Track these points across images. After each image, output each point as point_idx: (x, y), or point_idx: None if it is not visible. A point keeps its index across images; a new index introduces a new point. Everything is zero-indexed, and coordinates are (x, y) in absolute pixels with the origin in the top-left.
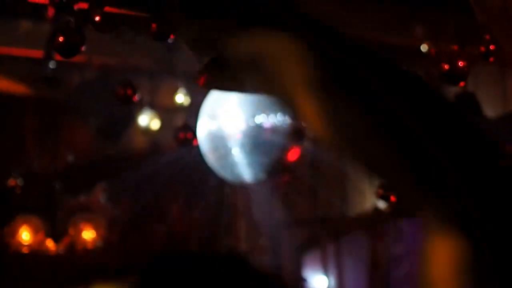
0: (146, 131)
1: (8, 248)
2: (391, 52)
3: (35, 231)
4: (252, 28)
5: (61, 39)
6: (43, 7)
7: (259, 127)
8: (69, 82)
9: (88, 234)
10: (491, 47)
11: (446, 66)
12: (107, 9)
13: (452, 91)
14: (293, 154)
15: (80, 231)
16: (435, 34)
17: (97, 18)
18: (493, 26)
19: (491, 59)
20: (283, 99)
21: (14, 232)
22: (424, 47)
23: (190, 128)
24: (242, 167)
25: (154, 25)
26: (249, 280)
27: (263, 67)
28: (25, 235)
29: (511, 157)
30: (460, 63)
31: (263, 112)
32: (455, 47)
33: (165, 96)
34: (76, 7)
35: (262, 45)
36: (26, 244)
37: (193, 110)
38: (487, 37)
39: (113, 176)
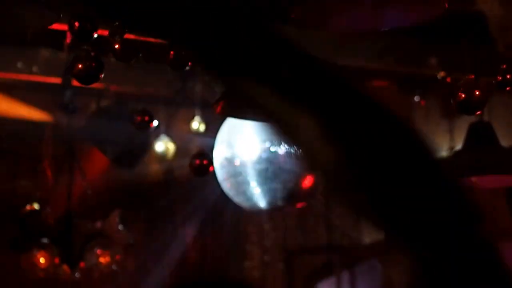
0: (162, 158)
1: (25, 274)
2: (407, 81)
3: (51, 256)
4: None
5: (80, 66)
6: (62, 35)
7: (274, 154)
8: (86, 109)
9: (104, 260)
10: (508, 76)
11: (463, 95)
12: (126, 36)
13: (467, 120)
14: (308, 181)
15: (96, 257)
16: (451, 63)
17: (116, 46)
18: None
19: (508, 88)
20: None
21: (31, 258)
22: (440, 76)
23: (205, 155)
24: (257, 194)
25: (171, 53)
26: None
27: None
28: (41, 260)
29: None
30: (477, 93)
31: (278, 139)
32: (472, 76)
33: (181, 123)
34: (95, 34)
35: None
36: (42, 269)
37: (209, 137)
38: (504, 66)
39: (129, 203)
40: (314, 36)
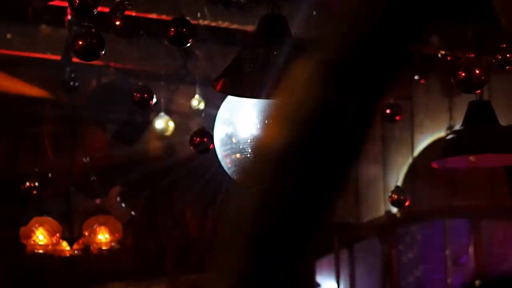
0: (162, 135)
1: (24, 249)
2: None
3: (51, 232)
4: None
5: (81, 42)
6: (62, 11)
7: None
8: (87, 86)
9: (103, 237)
10: (508, 55)
11: (463, 74)
12: (127, 13)
13: (467, 99)
14: None
15: (95, 234)
16: (451, 41)
17: (117, 23)
18: None
19: (508, 67)
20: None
21: (30, 234)
22: (440, 54)
23: (206, 133)
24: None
25: (172, 30)
26: None
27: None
28: (41, 237)
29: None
30: (477, 71)
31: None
32: (472, 55)
33: (182, 100)
34: (95, 11)
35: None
36: (42, 245)
37: (209, 114)
38: (504, 45)
39: (129, 180)
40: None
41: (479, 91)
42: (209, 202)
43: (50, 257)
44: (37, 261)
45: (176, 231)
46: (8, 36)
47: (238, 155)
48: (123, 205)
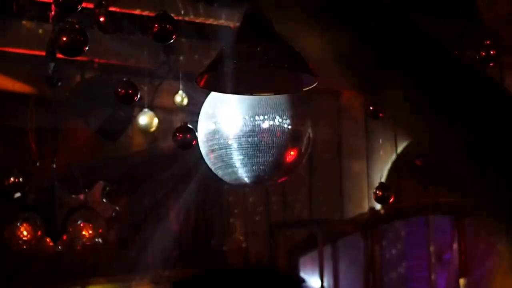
0: (146, 131)
1: (8, 245)
2: None
3: (34, 228)
4: None
5: (64, 38)
6: (46, 7)
7: (257, 128)
8: (70, 81)
9: (87, 232)
10: (492, 52)
11: None
12: (111, 9)
13: None
14: (291, 156)
15: (79, 230)
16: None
17: (101, 19)
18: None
19: (491, 64)
20: None
21: (14, 230)
22: None
23: (189, 129)
24: (241, 168)
25: (156, 26)
26: None
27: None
28: (24, 233)
29: None
30: None
31: (262, 113)
32: (455, 52)
33: (165, 96)
34: (79, 7)
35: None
36: (25, 241)
37: (192, 111)
38: (488, 42)
39: (112, 175)
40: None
41: None
42: (192, 198)
43: (34, 253)
44: (21, 258)
45: (159, 226)
46: None
47: (221, 152)
48: (106, 200)
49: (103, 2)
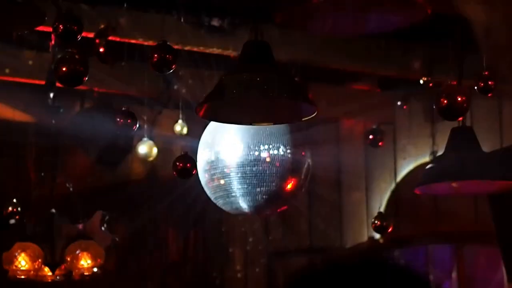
0: (145, 160)
1: (6, 275)
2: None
3: (33, 257)
4: None
5: (64, 69)
6: (47, 36)
7: (257, 157)
8: (70, 110)
9: (85, 262)
10: (490, 82)
11: (445, 101)
12: (111, 38)
13: (450, 125)
14: (290, 185)
15: (77, 259)
16: (434, 67)
17: (101, 49)
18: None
19: (490, 94)
20: None
21: (13, 259)
22: (422, 80)
23: (189, 158)
24: (240, 197)
25: (155, 56)
26: None
27: None
28: (23, 262)
29: None
30: (459, 98)
31: (262, 143)
32: (454, 82)
33: (165, 125)
34: (79, 36)
35: None
36: (24, 271)
37: (192, 139)
38: (486, 72)
39: (111, 204)
40: (297, 39)
41: (461, 118)
42: (190, 226)
43: (33, 283)
44: (19, 287)
45: (158, 255)
46: None
47: (222, 181)
48: (105, 229)
49: (103, 32)
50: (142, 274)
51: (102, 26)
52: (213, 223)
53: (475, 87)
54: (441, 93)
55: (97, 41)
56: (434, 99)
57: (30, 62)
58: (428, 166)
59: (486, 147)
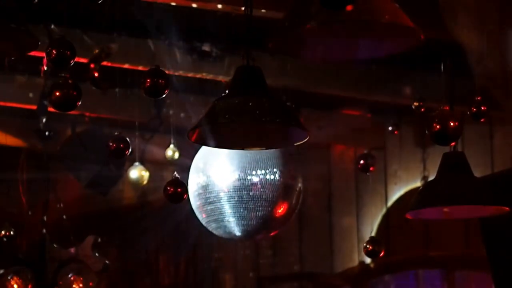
0: (136, 184)
1: None
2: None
3: (25, 281)
4: None
5: (58, 93)
6: (38, 61)
7: (248, 182)
8: (61, 135)
9: (78, 286)
10: (482, 108)
11: (438, 126)
12: (103, 63)
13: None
14: (281, 210)
15: (69, 283)
16: (425, 92)
17: (95, 74)
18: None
19: (482, 119)
20: None
21: (5, 282)
22: (414, 106)
23: (180, 183)
24: (232, 222)
25: (148, 81)
26: None
27: None
28: (15, 286)
29: None
30: (452, 124)
31: (253, 167)
32: (446, 107)
33: (156, 150)
34: (72, 62)
35: None
36: None
37: (183, 164)
38: (479, 98)
39: (103, 228)
40: (289, 64)
41: (454, 143)
42: (182, 250)
43: None
44: None
45: (149, 278)
46: None
47: (212, 206)
48: (97, 253)
49: (97, 57)
50: None
51: (96, 51)
52: (204, 247)
53: (468, 112)
54: (434, 118)
55: (91, 65)
56: (426, 124)
57: (21, 87)
58: (419, 191)
59: (477, 172)
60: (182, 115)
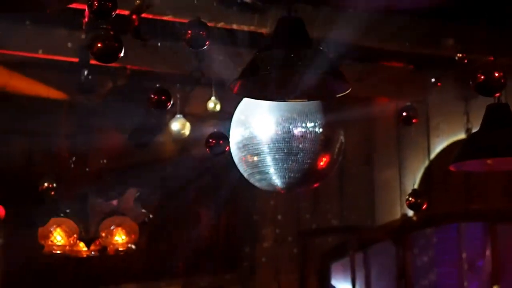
0: (178, 137)
1: (42, 250)
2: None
3: (68, 233)
4: None
5: (99, 45)
6: (79, 14)
7: (290, 134)
8: (103, 88)
9: (120, 238)
10: None
11: (482, 77)
12: (143, 15)
13: (484, 102)
14: (323, 162)
15: (112, 235)
16: (468, 44)
17: (136, 25)
18: None
19: None
20: None
21: (48, 234)
22: (457, 57)
23: (221, 135)
24: (273, 174)
25: (189, 32)
26: None
27: None
28: (59, 237)
29: None
30: (496, 74)
31: (295, 119)
32: (491, 58)
33: (197, 102)
34: (114, 13)
35: None
36: (59, 246)
37: (225, 117)
38: None
39: (145, 181)
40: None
41: (498, 94)
42: (222, 204)
43: (67, 258)
44: (54, 262)
45: (190, 232)
46: (26, 37)
47: (255, 158)
48: (138, 206)
49: (138, 9)
50: (174, 250)
51: (138, 2)
52: (244, 200)
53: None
54: (478, 69)
55: (133, 17)
56: (469, 75)
57: (63, 40)
58: (463, 143)
59: None
60: (223, 67)
